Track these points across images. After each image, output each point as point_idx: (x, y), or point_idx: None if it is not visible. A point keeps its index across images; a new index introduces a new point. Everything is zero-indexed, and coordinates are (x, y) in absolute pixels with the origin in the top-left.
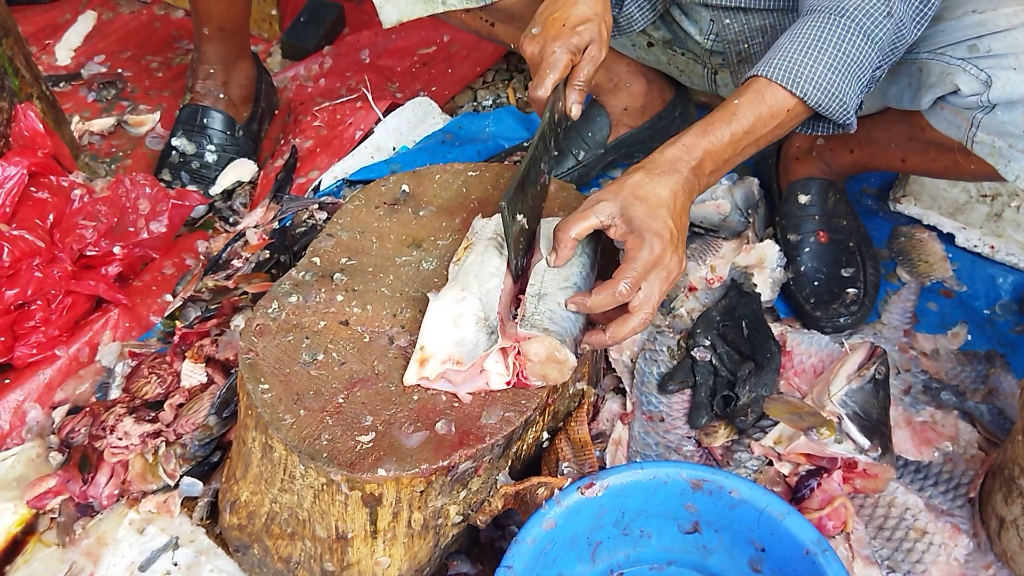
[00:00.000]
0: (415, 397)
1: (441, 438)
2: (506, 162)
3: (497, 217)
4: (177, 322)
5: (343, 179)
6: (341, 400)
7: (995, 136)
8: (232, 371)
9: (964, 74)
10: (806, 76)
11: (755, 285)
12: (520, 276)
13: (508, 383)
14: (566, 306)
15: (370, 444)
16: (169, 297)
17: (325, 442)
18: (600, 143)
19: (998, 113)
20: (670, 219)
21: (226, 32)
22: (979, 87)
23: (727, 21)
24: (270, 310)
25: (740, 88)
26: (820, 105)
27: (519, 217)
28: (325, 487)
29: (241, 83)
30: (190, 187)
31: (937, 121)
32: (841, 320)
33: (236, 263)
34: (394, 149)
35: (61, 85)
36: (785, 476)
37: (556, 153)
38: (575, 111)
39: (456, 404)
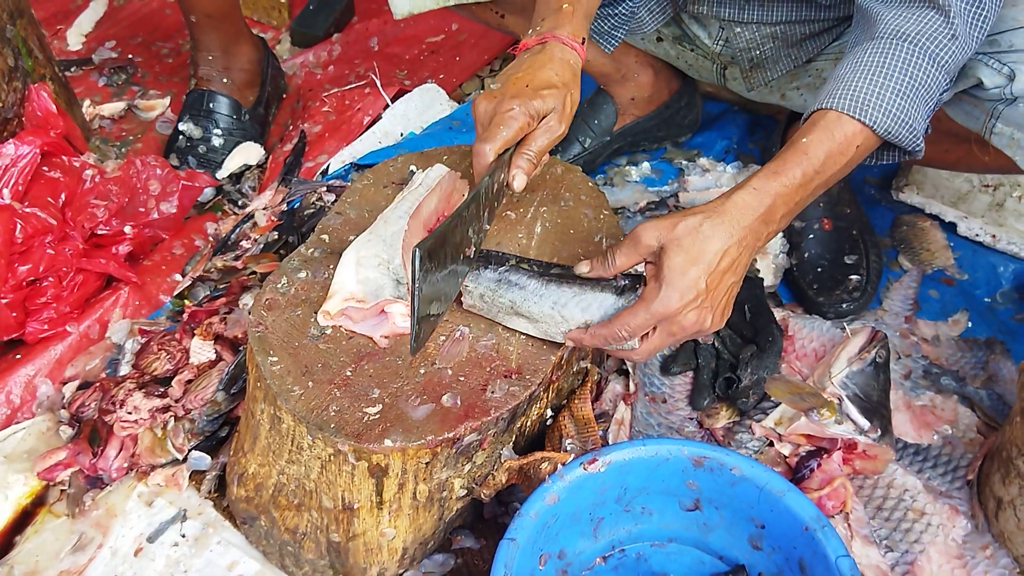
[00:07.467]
0: (422, 371)
1: (447, 411)
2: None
3: (432, 172)
4: (186, 301)
5: (351, 163)
6: (349, 373)
7: (1014, 128)
8: (240, 348)
9: (986, 68)
10: (874, 104)
11: (758, 270)
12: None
13: None
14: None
15: (377, 416)
16: (178, 276)
17: (333, 413)
18: (606, 131)
19: (1020, 106)
20: (704, 278)
21: (214, 19)
22: (1002, 80)
23: (737, 30)
24: (279, 285)
25: (805, 125)
26: (890, 133)
27: (429, 274)
28: (332, 458)
29: (243, 67)
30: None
31: (955, 112)
32: (843, 306)
33: (245, 244)
34: (402, 135)
35: (72, 70)
36: (786, 457)
37: (488, 227)
38: (518, 183)
39: (462, 378)
